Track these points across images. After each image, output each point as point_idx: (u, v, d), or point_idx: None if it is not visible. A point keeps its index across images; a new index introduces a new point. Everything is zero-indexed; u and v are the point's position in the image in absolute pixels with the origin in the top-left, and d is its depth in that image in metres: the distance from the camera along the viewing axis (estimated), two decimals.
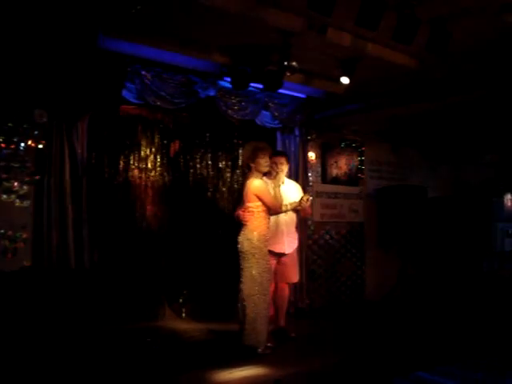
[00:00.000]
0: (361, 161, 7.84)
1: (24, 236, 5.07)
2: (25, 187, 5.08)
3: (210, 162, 6.75)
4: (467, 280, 7.42)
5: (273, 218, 5.04)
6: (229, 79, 5.59)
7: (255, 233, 4.80)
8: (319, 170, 7.34)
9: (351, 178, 7.71)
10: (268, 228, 4.92)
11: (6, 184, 4.99)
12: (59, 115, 5.19)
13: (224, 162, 6.84)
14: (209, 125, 6.57)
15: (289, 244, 5.35)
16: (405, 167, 8.41)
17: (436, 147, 8.29)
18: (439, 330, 5.99)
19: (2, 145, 4.98)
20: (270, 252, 5.03)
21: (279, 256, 5.29)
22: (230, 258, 6.54)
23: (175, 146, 6.49)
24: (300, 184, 6.75)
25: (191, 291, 6.37)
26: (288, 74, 5.44)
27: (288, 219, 5.34)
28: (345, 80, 5.63)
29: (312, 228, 7.11)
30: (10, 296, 4.82)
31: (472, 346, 5.29)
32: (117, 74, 5.25)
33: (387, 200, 7.68)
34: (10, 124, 5.02)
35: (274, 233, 5.16)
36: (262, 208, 4.85)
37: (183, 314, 6.17)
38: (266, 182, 5.02)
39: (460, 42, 4.77)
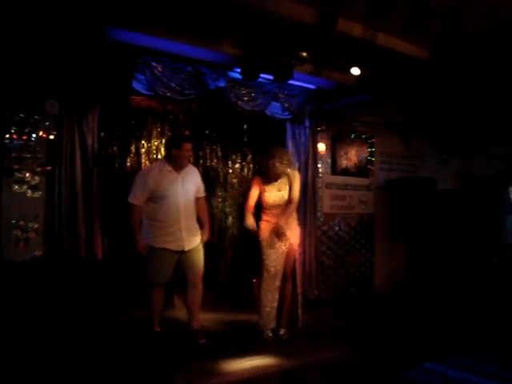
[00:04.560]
0: (371, 152, 7.80)
1: (35, 226, 5.10)
2: (36, 178, 5.11)
3: (219, 154, 6.75)
4: (477, 273, 7.39)
5: (169, 210, 4.66)
6: (239, 70, 5.58)
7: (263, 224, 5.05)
8: (329, 161, 7.32)
9: (361, 170, 7.69)
10: (277, 219, 4.99)
11: (17, 175, 5.02)
12: (70, 106, 5.21)
13: (234, 154, 6.84)
14: (219, 116, 6.56)
15: (189, 239, 4.80)
16: (415, 159, 8.37)
17: (447, 139, 8.24)
18: (448, 322, 6.00)
19: (14, 136, 5.00)
20: (169, 250, 4.69)
21: (182, 253, 4.78)
22: (241, 248, 6.62)
23: None
24: (310, 175, 6.79)
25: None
26: (298, 65, 5.43)
27: (187, 212, 4.80)
28: (355, 71, 5.61)
29: (321, 219, 7.11)
30: (21, 286, 4.85)
31: (481, 338, 5.29)
32: (127, 65, 5.26)
33: (397, 192, 7.65)
34: (21, 115, 5.04)
35: (171, 229, 4.69)
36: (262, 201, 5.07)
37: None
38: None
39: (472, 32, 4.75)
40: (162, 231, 4.67)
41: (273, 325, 5.04)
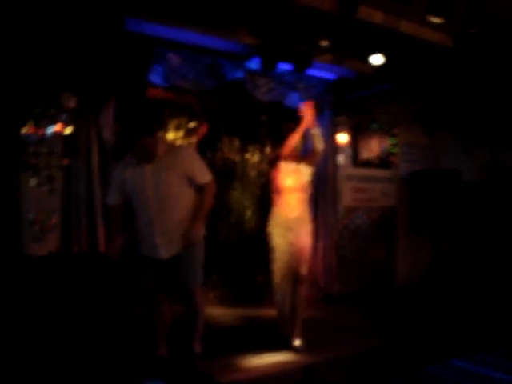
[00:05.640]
0: (393, 143, 7.65)
1: (53, 221, 5.08)
2: (53, 172, 5.08)
3: (237, 146, 6.67)
4: (503, 266, 7.21)
5: (139, 210, 3.90)
6: (257, 60, 5.48)
7: (274, 217, 4.75)
8: (350, 152, 7.17)
9: (383, 161, 7.53)
10: (286, 212, 4.65)
11: (34, 169, 5.00)
12: (87, 99, 5.16)
13: (252, 146, 6.76)
14: (236, 107, 6.48)
15: (167, 247, 3.84)
16: (439, 150, 8.18)
17: (471, 129, 8.04)
18: (474, 317, 5.85)
19: (31, 130, 4.98)
20: (148, 257, 3.92)
21: (164, 262, 3.88)
22: (261, 242, 6.54)
23: (203, 130, 6.43)
24: (330, 167, 6.67)
25: (220, 276, 6.34)
26: (318, 54, 5.32)
27: (163, 211, 3.79)
28: (377, 59, 5.48)
29: (342, 212, 6.99)
30: (39, 281, 4.84)
31: (510, 334, 5.15)
32: (144, 57, 5.19)
33: (420, 184, 7.50)
34: (38, 109, 5.01)
35: (146, 232, 3.90)
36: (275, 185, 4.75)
37: (213, 299, 6.14)
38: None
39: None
40: (139, 235, 3.97)
41: (286, 328, 4.71)
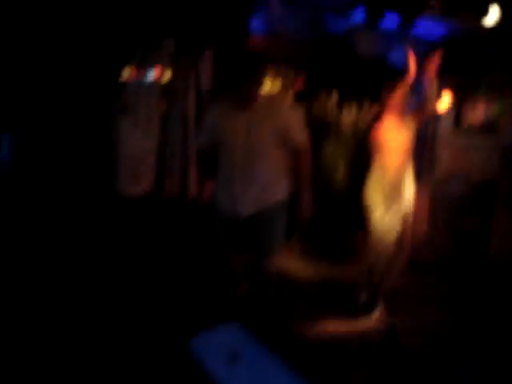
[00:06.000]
0: (500, 110, 7.17)
1: (148, 163, 5.22)
2: (150, 115, 5.20)
3: (334, 102, 6.51)
4: None
5: (224, 160, 3.54)
6: (361, 13, 5.27)
7: (373, 179, 4.34)
8: (452, 116, 6.81)
9: (488, 128, 7.08)
10: (389, 174, 4.25)
11: (132, 112, 5.13)
12: (187, 45, 5.21)
13: (350, 103, 6.57)
14: (336, 61, 6.29)
15: (245, 204, 3.46)
16: None
17: None
18: None
19: (131, 73, 5.10)
20: (224, 212, 3.57)
21: (241, 221, 3.51)
22: (353, 201, 6.43)
23: (300, 82, 6.32)
24: (429, 131, 6.37)
25: (306, 230, 6.28)
26: (427, 9, 5.04)
27: (248, 164, 3.43)
28: (492, 17, 5.10)
29: (438, 179, 6.70)
30: (131, 221, 5.03)
31: None
32: (245, 4, 5.14)
33: None
34: (139, 52, 5.11)
35: (226, 184, 3.53)
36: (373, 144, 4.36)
37: (296, 252, 6.10)
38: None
39: None
40: (220, 185, 3.61)
41: (369, 292, 4.55)
